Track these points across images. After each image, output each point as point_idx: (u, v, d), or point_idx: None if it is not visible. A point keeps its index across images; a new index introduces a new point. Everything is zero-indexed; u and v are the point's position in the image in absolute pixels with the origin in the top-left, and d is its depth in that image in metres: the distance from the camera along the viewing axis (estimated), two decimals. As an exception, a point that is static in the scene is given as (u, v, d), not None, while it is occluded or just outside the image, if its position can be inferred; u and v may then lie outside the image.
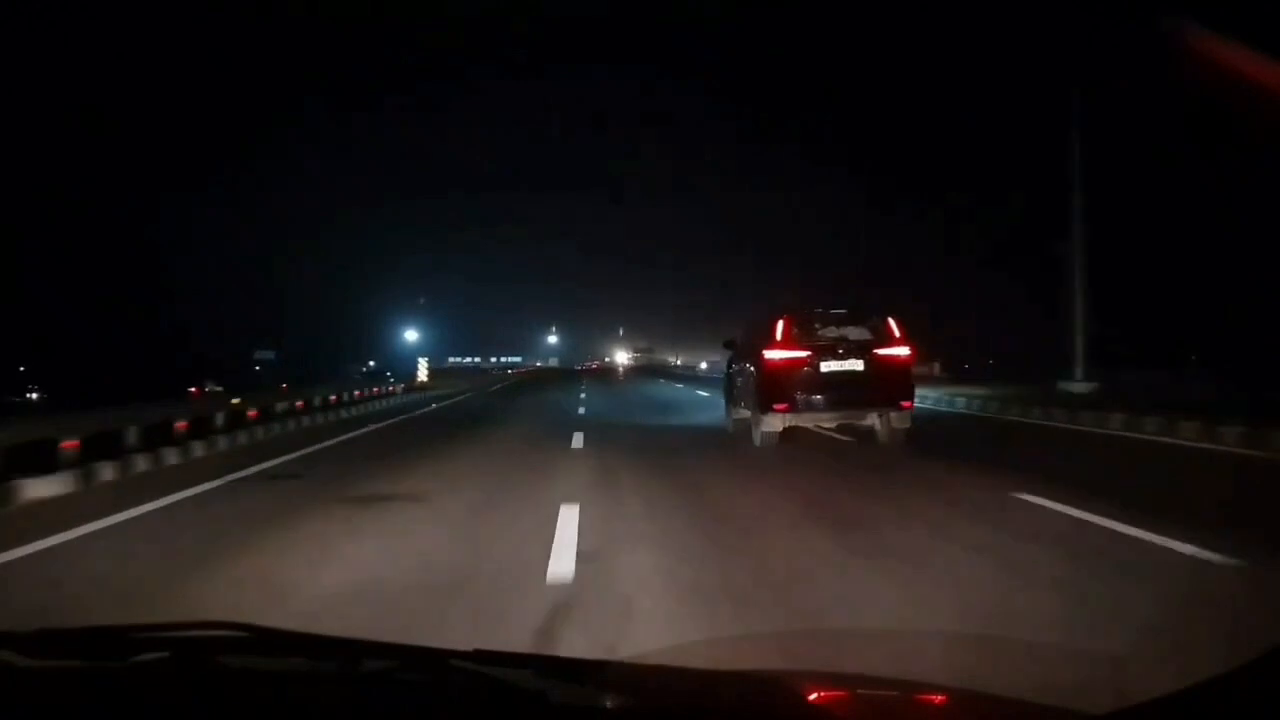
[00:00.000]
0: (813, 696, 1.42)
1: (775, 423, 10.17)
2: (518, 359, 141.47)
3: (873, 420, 10.43)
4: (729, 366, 12.94)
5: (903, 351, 10.21)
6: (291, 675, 1.30)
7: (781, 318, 10.38)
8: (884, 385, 10.00)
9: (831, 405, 10.10)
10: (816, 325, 10.41)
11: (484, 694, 1.18)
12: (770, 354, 10.22)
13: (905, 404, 10.02)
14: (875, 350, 10.14)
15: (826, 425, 10.67)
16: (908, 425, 10.18)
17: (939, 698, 1.55)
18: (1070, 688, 2.71)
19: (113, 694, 1.21)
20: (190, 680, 1.25)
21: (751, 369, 10.89)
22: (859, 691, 1.55)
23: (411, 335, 50.15)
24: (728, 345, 13.09)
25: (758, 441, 10.41)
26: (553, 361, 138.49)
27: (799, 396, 9.96)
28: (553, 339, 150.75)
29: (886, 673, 2.25)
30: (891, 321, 10.38)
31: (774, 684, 1.49)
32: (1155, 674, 2.77)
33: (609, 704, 1.28)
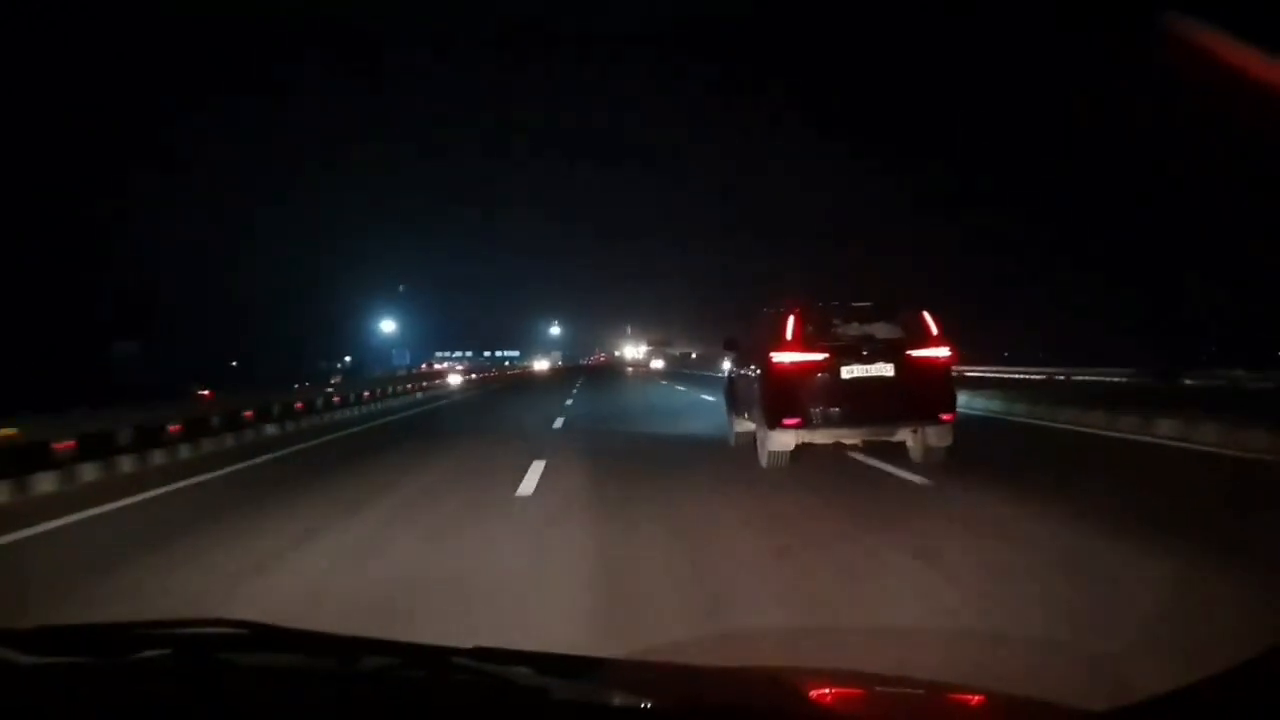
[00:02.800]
0: (813, 693, 1.43)
1: (785, 440, 8.58)
2: (515, 353, 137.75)
3: (904, 437, 8.84)
4: (730, 371, 11.36)
5: (942, 352, 8.59)
6: (292, 672, 1.30)
7: (792, 312, 8.77)
8: (919, 394, 8.39)
9: (854, 419, 8.50)
10: (835, 321, 8.80)
11: (484, 691, 1.19)
12: (779, 357, 8.63)
13: (946, 416, 8.40)
14: (908, 351, 8.52)
15: (849, 442, 9.07)
16: (949, 442, 8.57)
17: (939, 695, 1.57)
18: (1070, 686, 2.74)
19: (114, 691, 1.22)
20: (191, 677, 1.25)
21: (756, 375, 9.30)
22: (859, 689, 1.57)
23: (388, 326, 46.59)
24: (729, 345, 11.53)
25: (764, 462, 8.84)
26: (555, 357, 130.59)
27: (814, 409, 8.36)
28: (555, 330, 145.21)
29: (887, 670, 2.08)
30: (927, 316, 8.75)
31: (774, 681, 1.49)
32: (1155, 673, 2.77)
33: (610, 701, 1.30)
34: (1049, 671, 3.09)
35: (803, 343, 8.57)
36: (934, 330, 8.64)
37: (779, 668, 1.82)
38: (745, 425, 10.26)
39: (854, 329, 8.69)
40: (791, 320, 8.69)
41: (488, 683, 1.21)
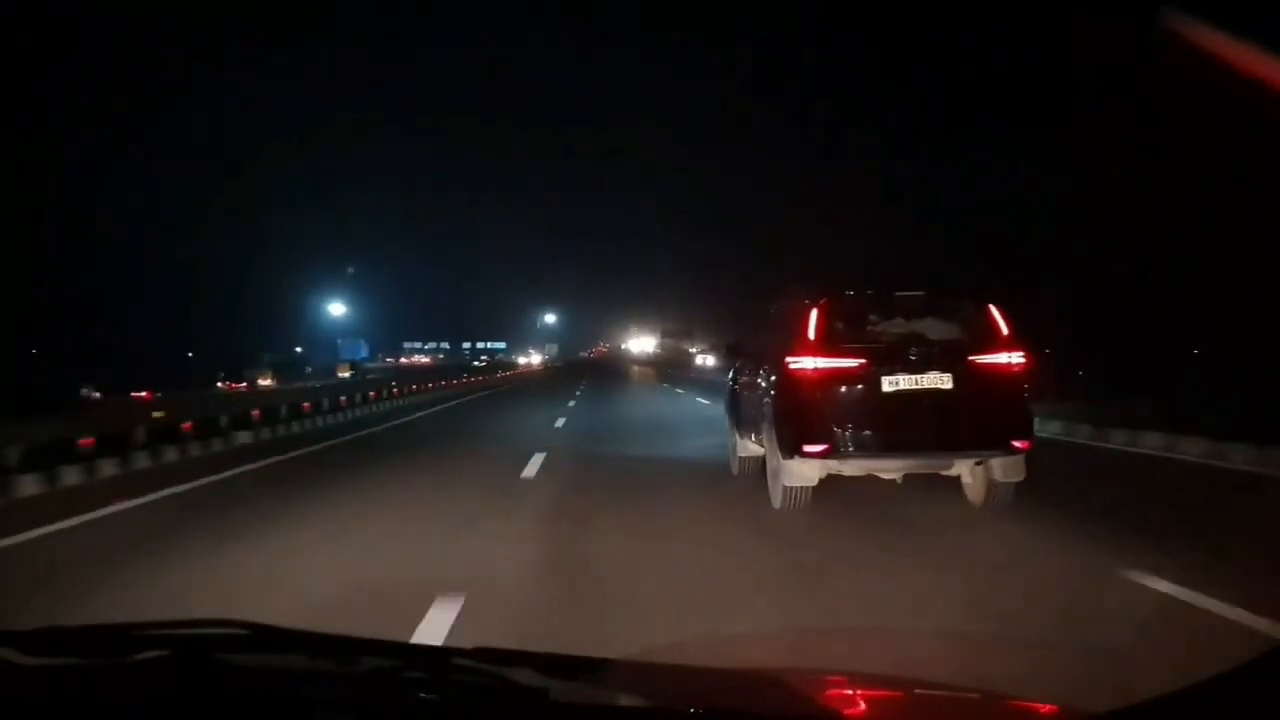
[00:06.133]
0: (814, 694, 1.46)
1: (806, 472, 6.75)
2: (501, 345, 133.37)
3: (960, 469, 7.03)
4: (733, 379, 9.51)
5: (1014, 358, 6.75)
6: (293, 673, 1.32)
7: (816, 305, 6.94)
8: (985, 413, 6.55)
9: (898, 445, 6.66)
10: (873, 317, 6.96)
11: (485, 692, 1.20)
12: (798, 363, 6.79)
13: (1020, 443, 6.55)
14: (970, 357, 6.69)
15: (888, 476, 7.22)
16: (1020, 477, 6.73)
17: (940, 695, 1.58)
18: (1070, 687, 2.85)
19: (113, 692, 1.25)
20: (191, 678, 1.27)
21: (768, 387, 7.46)
22: (861, 689, 1.59)
23: (338, 310, 41.30)
24: (733, 351, 9.70)
25: (778, 501, 7.03)
26: (550, 351, 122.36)
27: (844, 432, 6.53)
28: (550, 318, 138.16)
29: (888, 671, 2.22)
30: (994, 310, 6.92)
31: (776, 682, 1.50)
32: (1156, 674, 2.83)
33: (612, 702, 1.32)
34: (1050, 673, 3.14)
35: (831, 344, 6.73)
36: (1004, 329, 6.80)
37: (781, 668, 1.69)
38: (752, 449, 8.42)
39: (898, 326, 6.85)
40: (815, 315, 6.84)
41: (488, 683, 1.21)
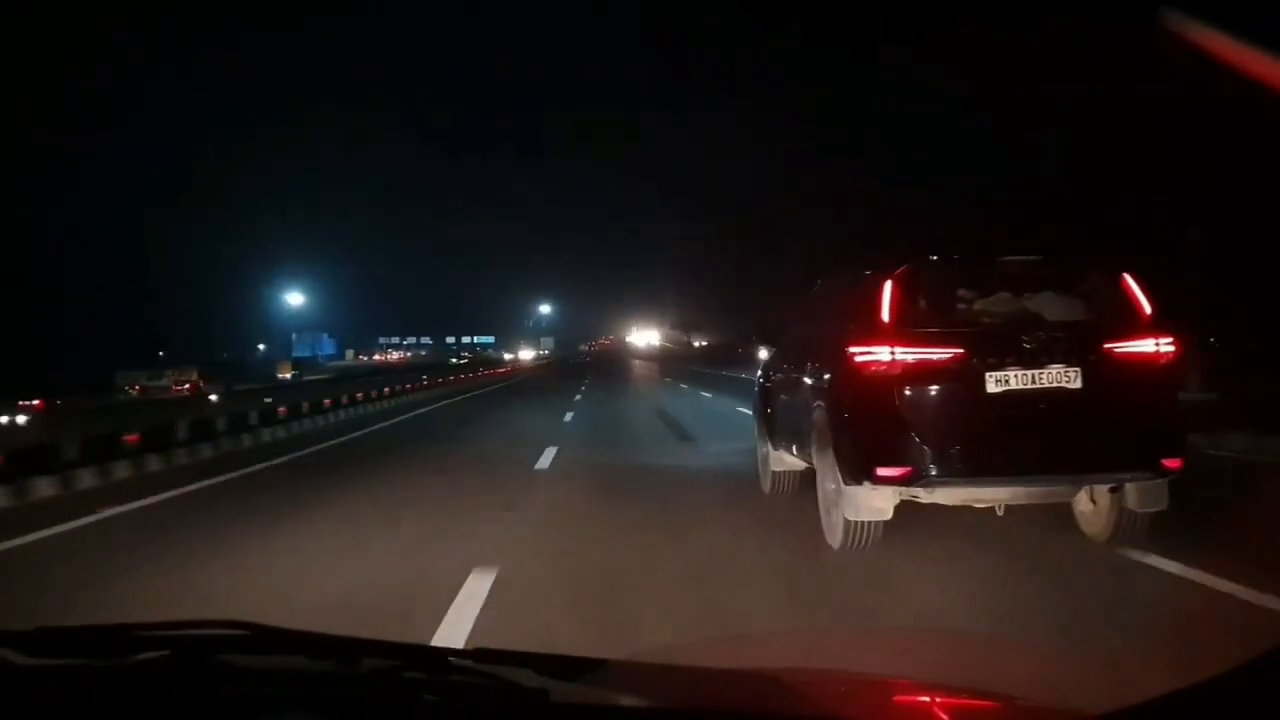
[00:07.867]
0: (815, 695, 1.45)
1: (877, 502, 5.04)
2: (489, 340, 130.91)
3: (1082, 497, 5.32)
4: (765, 376, 7.76)
5: (1162, 346, 5.04)
6: (292, 674, 1.32)
7: (891, 275, 5.19)
8: (1125, 421, 4.84)
9: (1008, 466, 4.92)
10: (968, 292, 5.24)
11: (484, 692, 1.21)
12: (868, 354, 5.06)
13: (1170, 462, 4.84)
14: (1105, 345, 4.99)
15: (982, 505, 5.47)
16: (1163, 506, 5.02)
17: (940, 696, 1.56)
18: (1070, 687, 2.75)
19: (113, 692, 1.26)
20: (190, 679, 1.28)
21: (818, 384, 5.74)
22: (861, 690, 1.60)
23: (296, 300, 37.47)
24: (764, 337, 7.99)
25: (837, 539, 5.31)
26: (545, 346, 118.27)
27: (934, 449, 4.82)
28: (545, 309, 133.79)
29: (888, 671, 2.21)
30: (1130, 281, 5.21)
31: (776, 683, 1.49)
32: (1155, 674, 2.76)
33: (612, 702, 1.32)
34: (1049, 673, 3.08)
35: (913, 327, 5.01)
36: (1147, 307, 5.09)
37: (781, 669, 1.61)
38: (790, 462, 6.73)
39: (1004, 303, 5.13)
40: (890, 288, 5.10)
41: (488, 684, 1.21)
